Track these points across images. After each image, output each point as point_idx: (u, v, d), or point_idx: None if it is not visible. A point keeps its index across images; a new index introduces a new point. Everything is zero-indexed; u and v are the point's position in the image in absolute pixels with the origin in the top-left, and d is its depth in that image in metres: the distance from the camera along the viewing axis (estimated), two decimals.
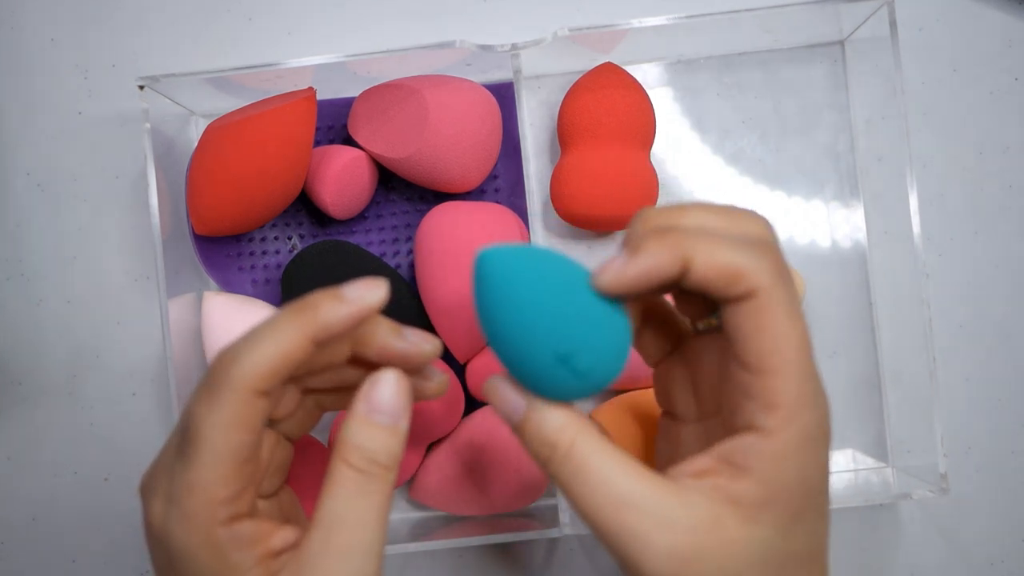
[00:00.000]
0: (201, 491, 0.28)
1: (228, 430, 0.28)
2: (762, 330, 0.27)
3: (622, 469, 0.28)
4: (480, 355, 0.48)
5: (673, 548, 0.27)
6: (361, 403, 0.30)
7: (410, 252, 0.50)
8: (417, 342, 0.33)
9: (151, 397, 0.51)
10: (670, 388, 0.34)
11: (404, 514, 0.51)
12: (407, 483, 0.50)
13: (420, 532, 0.48)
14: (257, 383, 0.28)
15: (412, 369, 0.33)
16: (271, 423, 0.33)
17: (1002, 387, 0.51)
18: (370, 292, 0.29)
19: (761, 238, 0.29)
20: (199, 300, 0.49)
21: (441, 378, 0.35)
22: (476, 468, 0.46)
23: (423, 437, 0.47)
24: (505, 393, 0.29)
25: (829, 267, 0.51)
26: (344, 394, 0.35)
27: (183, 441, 0.29)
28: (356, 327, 0.30)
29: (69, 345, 0.52)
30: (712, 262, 0.27)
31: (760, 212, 0.30)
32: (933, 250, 0.51)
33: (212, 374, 0.29)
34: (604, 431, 0.29)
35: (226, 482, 0.28)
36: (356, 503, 0.29)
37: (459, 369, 0.48)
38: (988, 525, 0.51)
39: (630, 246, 0.29)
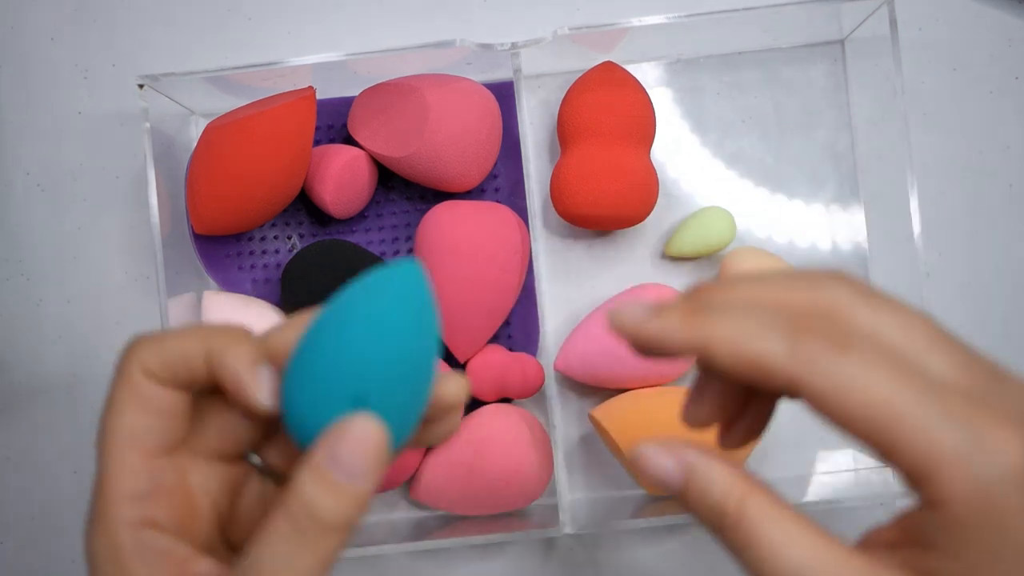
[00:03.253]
0: (106, 482, 0.26)
1: (121, 410, 0.26)
2: (850, 419, 0.23)
3: (800, 537, 0.24)
4: (480, 354, 0.48)
5: None
6: (321, 450, 0.24)
7: (410, 251, 0.50)
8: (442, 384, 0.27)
9: None
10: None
11: (404, 514, 0.51)
12: (407, 483, 0.50)
13: (420, 532, 0.48)
14: (144, 360, 0.26)
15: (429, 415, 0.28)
16: (270, 474, 0.30)
17: None
18: (260, 393, 0.26)
19: (810, 307, 0.25)
20: (199, 300, 0.49)
21: (454, 423, 0.29)
22: (476, 468, 0.46)
23: None
24: (658, 460, 0.26)
25: (829, 267, 0.51)
26: None
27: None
28: (231, 393, 0.26)
29: (69, 345, 0.52)
30: (731, 353, 0.24)
31: (835, 269, 0.26)
32: (933, 250, 0.51)
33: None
34: (772, 489, 0.25)
35: (130, 473, 0.26)
36: (287, 561, 0.24)
37: (459, 369, 0.48)
38: None
39: (659, 306, 0.26)
